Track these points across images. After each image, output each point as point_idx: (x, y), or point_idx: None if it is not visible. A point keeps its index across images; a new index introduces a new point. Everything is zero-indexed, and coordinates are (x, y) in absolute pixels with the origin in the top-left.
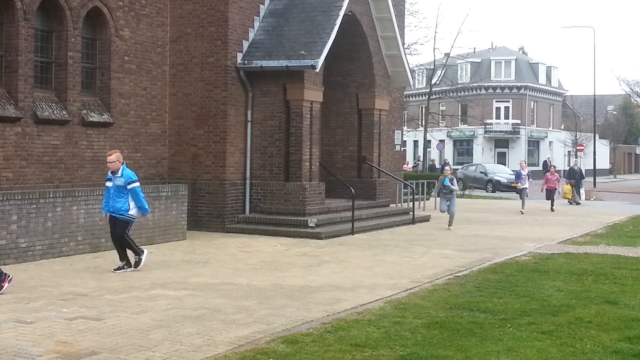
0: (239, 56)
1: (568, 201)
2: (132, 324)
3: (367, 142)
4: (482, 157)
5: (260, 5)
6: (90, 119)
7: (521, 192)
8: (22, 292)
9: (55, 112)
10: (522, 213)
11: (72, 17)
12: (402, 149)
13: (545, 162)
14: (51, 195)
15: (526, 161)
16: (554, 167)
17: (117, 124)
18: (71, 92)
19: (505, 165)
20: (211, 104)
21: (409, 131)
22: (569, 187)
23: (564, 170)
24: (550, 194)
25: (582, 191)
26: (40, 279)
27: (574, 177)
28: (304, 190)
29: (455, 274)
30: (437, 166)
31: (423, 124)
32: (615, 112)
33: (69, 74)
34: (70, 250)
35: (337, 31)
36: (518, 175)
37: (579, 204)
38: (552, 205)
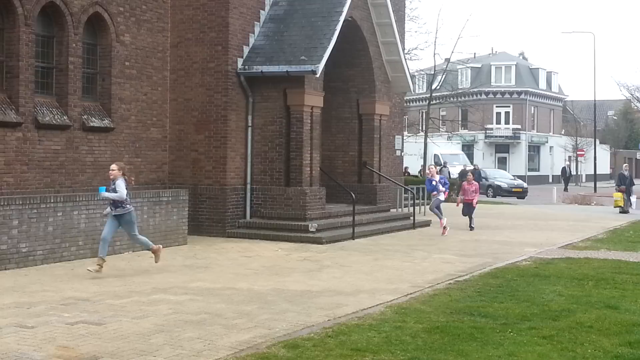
0: (240, 61)
1: (620, 209)
2: (133, 328)
3: (368, 147)
4: (483, 162)
5: (261, 11)
6: (91, 124)
7: (432, 205)
8: (23, 297)
9: (56, 117)
10: (445, 231)
11: (72, 23)
12: (402, 153)
13: (564, 168)
14: (52, 200)
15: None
16: (473, 174)
17: (118, 129)
18: (72, 97)
19: (506, 170)
20: (212, 109)
21: (409, 136)
22: (619, 194)
23: (557, 176)
24: (467, 209)
25: (633, 198)
26: (41, 283)
27: (625, 183)
28: (305, 195)
29: (456, 279)
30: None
31: (423, 129)
32: (615, 117)
33: (69, 79)
34: (71, 255)
35: (338, 37)
36: (429, 183)
37: (627, 212)
38: (470, 223)
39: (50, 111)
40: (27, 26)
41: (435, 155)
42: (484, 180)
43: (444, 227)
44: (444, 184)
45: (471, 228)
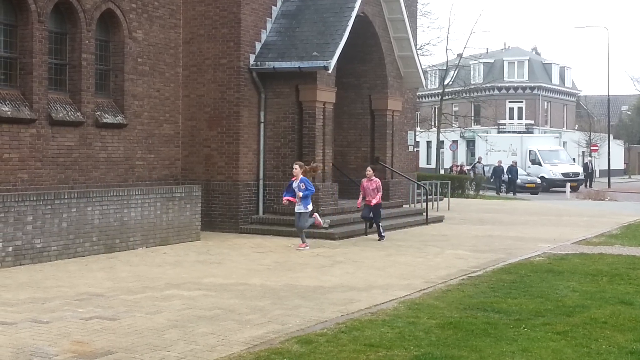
0: (252, 57)
1: None
2: (147, 323)
3: (380, 142)
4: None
5: (273, 7)
6: (104, 121)
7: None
8: (38, 293)
9: (69, 113)
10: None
11: (85, 19)
12: (414, 149)
13: (585, 164)
14: (66, 196)
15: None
16: (372, 169)
17: (131, 125)
18: (85, 93)
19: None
20: (224, 105)
21: (421, 132)
22: None
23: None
24: (367, 212)
25: None
26: (55, 279)
27: None
28: (318, 191)
29: (469, 275)
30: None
31: (436, 124)
32: (629, 112)
33: (82, 76)
34: (85, 250)
35: (350, 32)
36: (288, 187)
37: None
38: (366, 228)
39: (64, 108)
40: (40, 23)
41: (530, 151)
42: (534, 166)
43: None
44: (305, 189)
45: (380, 237)
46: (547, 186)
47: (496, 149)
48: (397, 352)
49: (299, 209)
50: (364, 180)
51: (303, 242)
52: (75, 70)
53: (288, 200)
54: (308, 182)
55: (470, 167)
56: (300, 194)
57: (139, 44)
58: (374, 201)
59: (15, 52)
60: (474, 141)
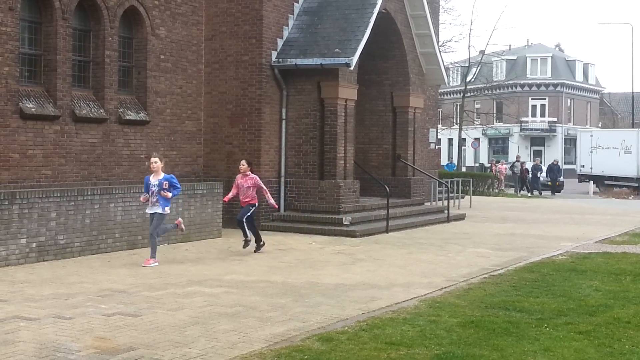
0: (274, 54)
1: None
2: (169, 320)
3: (402, 140)
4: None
5: (295, 4)
6: (127, 117)
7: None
8: (61, 288)
9: (92, 110)
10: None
11: (109, 17)
12: (436, 146)
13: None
14: (89, 193)
15: (559, 160)
16: (248, 163)
17: (153, 122)
18: (108, 90)
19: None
20: (246, 102)
21: (443, 129)
22: None
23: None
24: (242, 213)
25: None
26: (78, 275)
27: None
28: (339, 188)
29: (491, 273)
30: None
31: (458, 122)
32: None
33: (106, 73)
34: (107, 247)
35: (372, 29)
36: (145, 182)
37: None
38: (255, 239)
39: (87, 104)
40: (64, 20)
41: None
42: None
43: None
44: (173, 189)
45: (258, 247)
46: None
47: (604, 145)
48: (418, 350)
49: (153, 209)
50: (239, 177)
51: (152, 257)
52: (98, 67)
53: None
54: (175, 180)
55: (510, 166)
56: (169, 194)
57: (162, 40)
58: (249, 200)
59: (39, 49)
60: (496, 139)
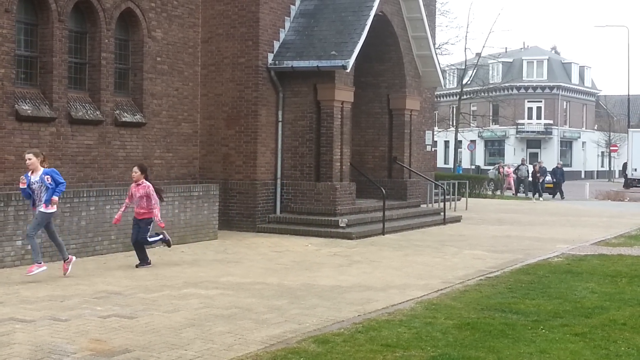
0: (270, 56)
1: None
2: (165, 322)
3: (398, 142)
4: (514, 157)
5: (291, 6)
6: (123, 119)
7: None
8: (56, 290)
9: (88, 112)
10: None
11: (105, 19)
12: (432, 149)
13: (625, 164)
14: (85, 195)
15: (560, 162)
16: (141, 169)
17: (150, 124)
18: (104, 92)
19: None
20: (242, 104)
21: (439, 131)
22: None
23: (590, 171)
24: (136, 230)
25: None
26: (74, 277)
27: None
28: (335, 190)
29: (487, 275)
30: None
31: (454, 124)
32: None
33: (102, 75)
34: (103, 249)
35: (368, 31)
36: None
37: None
38: (142, 260)
39: (83, 106)
40: (60, 22)
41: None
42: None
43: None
44: (48, 188)
45: (140, 263)
46: None
47: None
48: (414, 352)
49: (39, 208)
50: (133, 185)
51: (37, 261)
52: (94, 69)
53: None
54: (57, 174)
55: (514, 169)
56: (54, 198)
57: (158, 43)
58: (142, 213)
59: (35, 51)
60: (492, 141)
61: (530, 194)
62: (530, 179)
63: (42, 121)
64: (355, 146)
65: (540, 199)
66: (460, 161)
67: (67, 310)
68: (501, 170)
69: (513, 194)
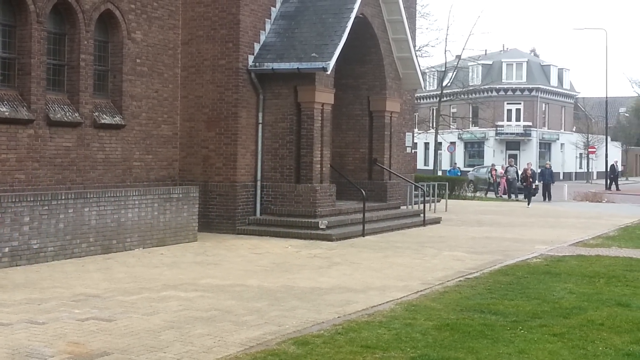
0: (250, 58)
1: None
2: (144, 325)
3: (378, 144)
4: (493, 159)
5: (272, 8)
6: (102, 121)
7: None
8: (34, 293)
9: (67, 114)
10: None
11: (84, 20)
12: (412, 150)
13: (612, 166)
14: (63, 197)
15: (532, 164)
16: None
17: (129, 126)
18: (83, 94)
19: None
20: (222, 106)
21: (419, 133)
22: None
23: (569, 173)
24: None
25: None
26: (52, 280)
27: None
28: (315, 192)
29: (466, 276)
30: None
31: (434, 126)
32: (627, 114)
33: (81, 77)
34: (81, 251)
35: (349, 33)
36: None
37: None
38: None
39: (62, 108)
40: (39, 23)
41: None
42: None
43: None
44: None
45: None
46: None
47: None
48: (393, 353)
49: None
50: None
51: None
52: (73, 71)
53: None
54: None
55: (503, 171)
56: None
57: (138, 44)
58: None
59: (13, 53)
60: (471, 143)
61: (520, 196)
62: (519, 182)
63: (20, 123)
64: (336, 148)
65: (529, 205)
66: (456, 164)
67: (45, 314)
68: (494, 172)
69: (507, 197)
